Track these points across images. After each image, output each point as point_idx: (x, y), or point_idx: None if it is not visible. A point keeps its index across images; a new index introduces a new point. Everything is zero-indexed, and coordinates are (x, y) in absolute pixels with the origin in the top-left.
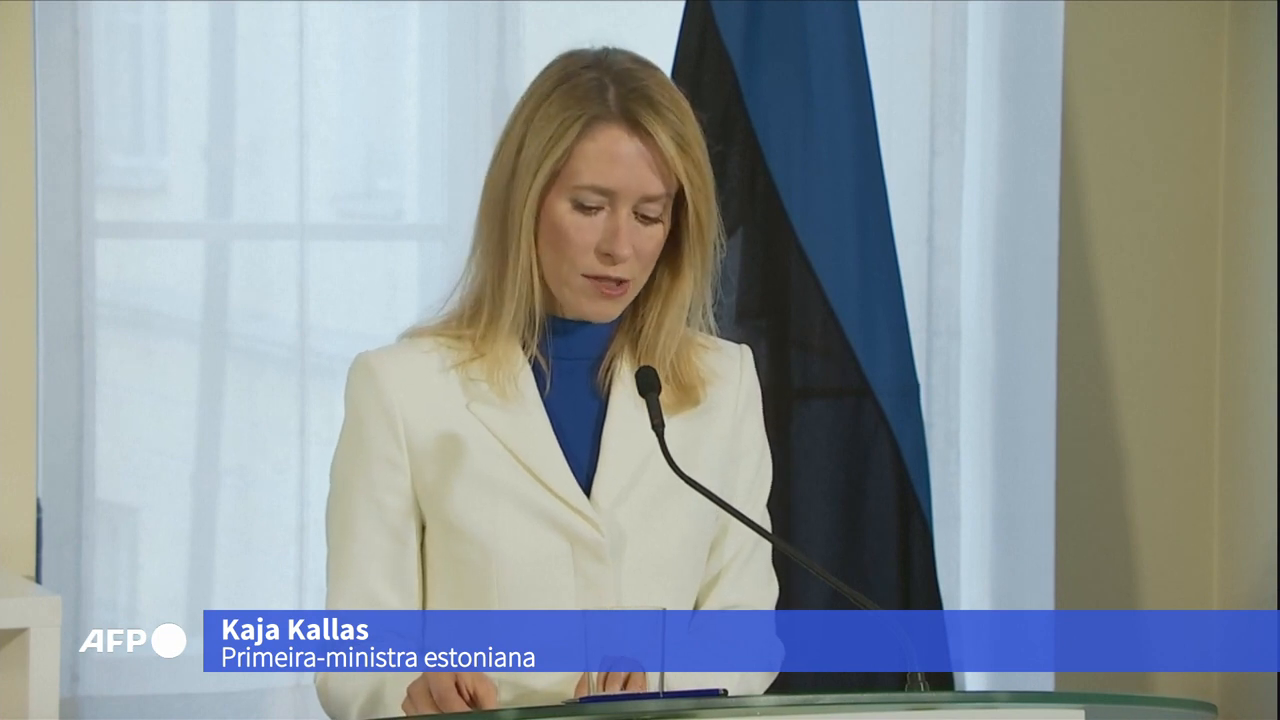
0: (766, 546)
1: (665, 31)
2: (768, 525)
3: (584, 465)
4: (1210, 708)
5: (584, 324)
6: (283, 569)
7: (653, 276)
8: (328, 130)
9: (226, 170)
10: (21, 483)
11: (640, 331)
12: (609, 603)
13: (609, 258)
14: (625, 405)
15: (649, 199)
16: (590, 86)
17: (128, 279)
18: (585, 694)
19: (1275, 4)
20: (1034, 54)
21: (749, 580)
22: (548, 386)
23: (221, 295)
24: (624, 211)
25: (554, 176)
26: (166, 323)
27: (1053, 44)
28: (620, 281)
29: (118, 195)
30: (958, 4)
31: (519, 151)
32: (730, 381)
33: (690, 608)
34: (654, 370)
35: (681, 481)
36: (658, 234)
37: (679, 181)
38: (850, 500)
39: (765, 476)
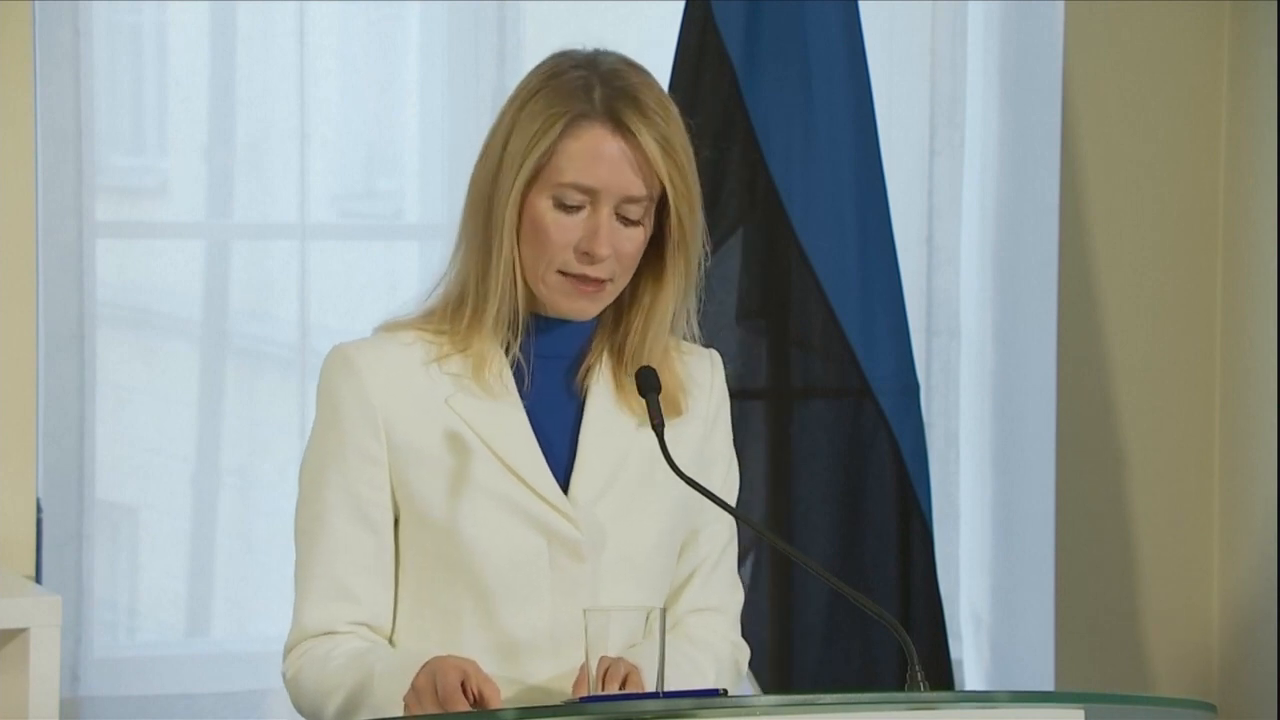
0: (733, 551)
1: (665, 31)
2: (734, 532)
3: (562, 463)
4: (1210, 708)
5: (565, 323)
6: (283, 569)
7: (636, 283)
8: (328, 130)
9: (226, 170)
10: (21, 483)
11: (624, 338)
12: (584, 600)
13: (588, 256)
14: (603, 405)
15: (630, 200)
16: (576, 85)
17: (128, 279)
18: (584, 693)
19: (1275, 4)
20: (1034, 54)
21: (717, 584)
22: (527, 384)
23: (222, 295)
24: (605, 211)
25: (537, 174)
26: (167, 323)
27: (1053, 44)
28: (598, 281)
29: (118, 195)
30: (958, 4)
31: (504, 147)
32: (702, 389)
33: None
34: (654, 371)
35: (656, 481)
36: (638, 236)
37: (662, 184)
38: (850, 500)
39: (733, 484)
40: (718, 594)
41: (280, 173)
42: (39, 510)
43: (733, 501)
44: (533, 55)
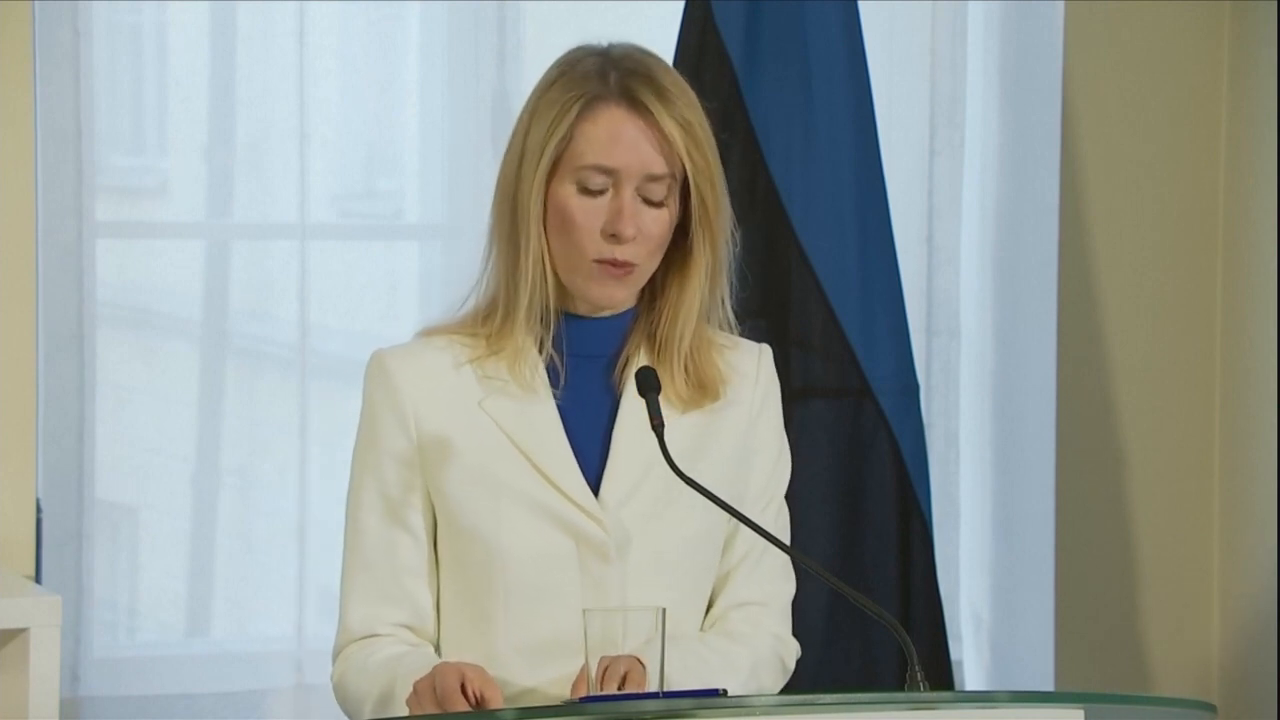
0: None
1: (665, 31)
2: (786, 520)
3: (594, 464)
4: (1210, 708)
5: (599, 320)
6: (283, 569)
7: (666, 271)
8: (328, 130)
9: (226, 170)
10: (21, 483)
11: (658, 326)
12: (613, 602)
13: (615, 238)
14: (638, 402)
15: (652, 178)
16: (591, 70)
17: (128, 279)
18: (583, 693)
19: (1275, 4)
20: (1034, 54)
21: (760, 578)
22: (561, 383)
23: (222, 295)
24: (628, 192)
25: (558, 160)
26: (166, 323)
27: (1053, 44)
28: (626, 264)
29: (118, 195)
30: (958, 4)
31: (525, 140)
32: (748, 379)
33: (701, 606)
34: (653, 370)
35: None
36: (663, 218)
37: (682, 163)
38: (850, 500)
39: (782, 475)
40: (761, 587)
41: (280, 173)
42: (39, 510)
43: (781, 491)
44: (533, 55)
